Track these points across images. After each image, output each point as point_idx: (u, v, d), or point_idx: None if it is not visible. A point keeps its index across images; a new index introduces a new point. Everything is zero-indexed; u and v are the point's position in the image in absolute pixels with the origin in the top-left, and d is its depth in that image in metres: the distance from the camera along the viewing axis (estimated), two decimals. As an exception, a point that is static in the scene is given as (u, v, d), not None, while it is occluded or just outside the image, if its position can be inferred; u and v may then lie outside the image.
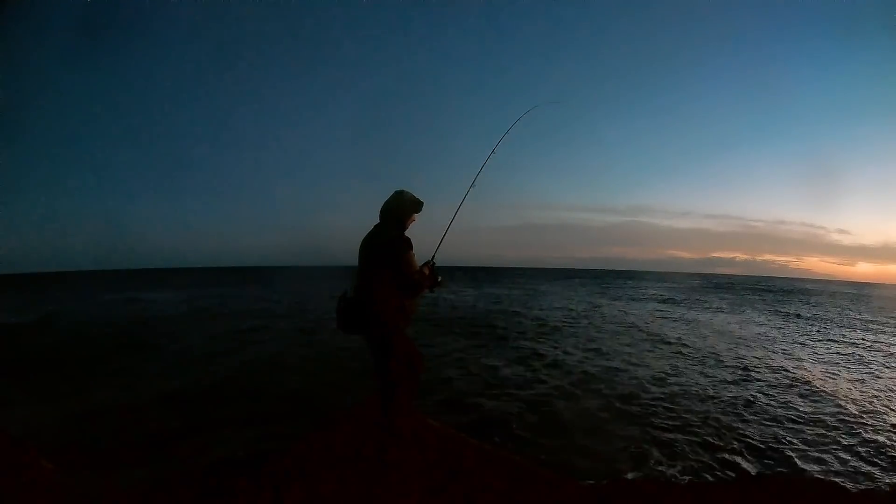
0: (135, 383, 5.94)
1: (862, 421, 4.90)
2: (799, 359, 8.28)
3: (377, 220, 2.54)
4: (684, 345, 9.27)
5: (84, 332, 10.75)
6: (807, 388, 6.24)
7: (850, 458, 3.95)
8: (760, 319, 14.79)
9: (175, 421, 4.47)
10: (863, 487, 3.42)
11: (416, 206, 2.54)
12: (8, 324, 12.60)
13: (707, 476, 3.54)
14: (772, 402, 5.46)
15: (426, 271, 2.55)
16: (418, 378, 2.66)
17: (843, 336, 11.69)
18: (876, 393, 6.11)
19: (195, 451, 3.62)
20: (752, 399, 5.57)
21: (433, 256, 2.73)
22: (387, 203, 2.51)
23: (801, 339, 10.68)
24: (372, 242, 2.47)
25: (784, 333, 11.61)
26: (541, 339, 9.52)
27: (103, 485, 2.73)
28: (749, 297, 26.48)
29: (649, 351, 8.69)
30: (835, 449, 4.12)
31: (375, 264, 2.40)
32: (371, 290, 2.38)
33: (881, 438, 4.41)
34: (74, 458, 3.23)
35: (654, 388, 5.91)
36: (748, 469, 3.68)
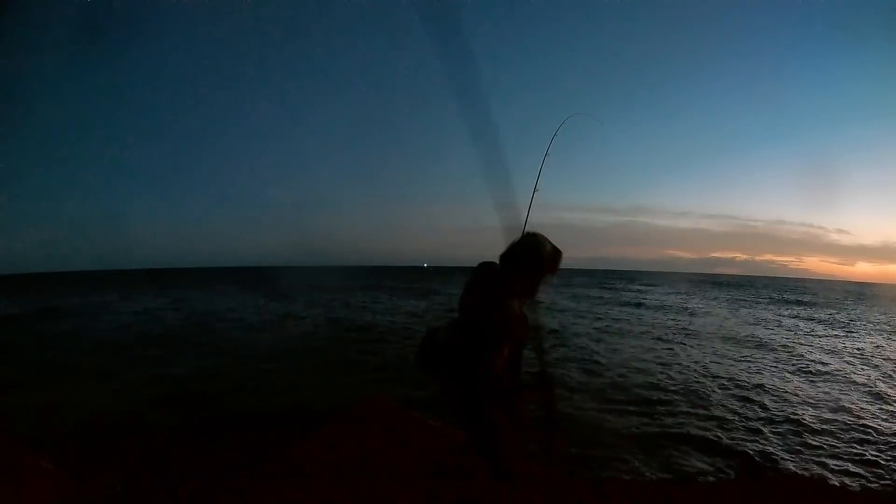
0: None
1: (865, 420, 4.91)
2: (810, 357, 8.30)
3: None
4: (686, 342, 9.30)
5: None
6: (812, 386, 6.26)
7: (851, 457, 3.95)
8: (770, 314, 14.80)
9: (177, 419, 4.47)
10: (863, 487, 3.42)
11: (556, 263, 1.80)
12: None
13: (707, 475, 3.54)
14: (775, 401, 5.47)
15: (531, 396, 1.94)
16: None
17: (852, 333, 11.75)
18: (881, 391, 6.12)
19: (197, 451, 3.61)
20: (754, 397, 5.58)
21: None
22: (518, 252, 1.79)
23: (811, 337, 10.72)
24: (479, 302, 1.81)
25: (794, 330, 11.67)
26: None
27: (103, 487, 2.73)
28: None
29: (653, 349, 8.70)
30: (837, 448, 4.12)
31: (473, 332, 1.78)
32: (463, 354, 1.82)
33: (884, 438, 4.42)
34: (76, 459, 3.22)
35: (657, 386, 5.92)
36: (748, 468, 3.68)
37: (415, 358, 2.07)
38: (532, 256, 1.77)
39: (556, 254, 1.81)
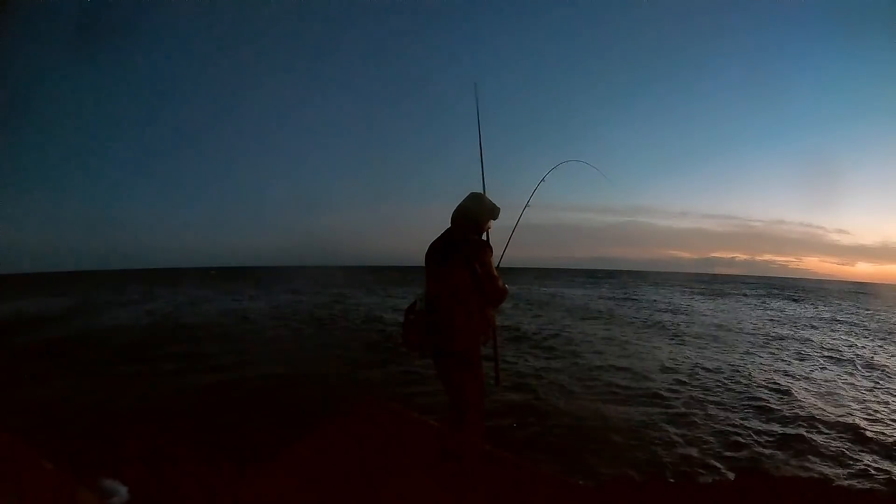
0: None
1: (866, 420, 4.92)
2: (812, 355, 8.31)
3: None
4: (688, 340, 9.30)
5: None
6: (812, 385, 6.27)
7: (851, 457, 3.96)
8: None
9: (177, 418, 4.47)
10: (863, 487, 3.43)
11: (495, 213, 2.30)
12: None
13: (707, 475, 3.55)
14: (776, 400, 5.48)
15: None
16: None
17: (856, 334, 11.79)
18: (882, 391, 6.13)
19: (196, 451, 3.61)
20: (755, 397, 5.59)
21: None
22: (464, 207, 2.27)
23: (812, 335, 10.75)
24: (449, 247, 2.19)
25: (793, 327, 11.69)
26: (549, 338, 9.52)
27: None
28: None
29: (656, 347, 8.71)
30: (837, 448, 4.13)
31: (455, 271, 2.12)
32: (453, 300, 2.12)
33: (884, 438, 4.42)
34: (76, 458, 3.21)
35: (658, 385, 5.92)
36: (748, 468, 3.69)
37: (402, 339, 2.23)
38: (477, 207, 2.27)
39: (495, 206, 2.32)
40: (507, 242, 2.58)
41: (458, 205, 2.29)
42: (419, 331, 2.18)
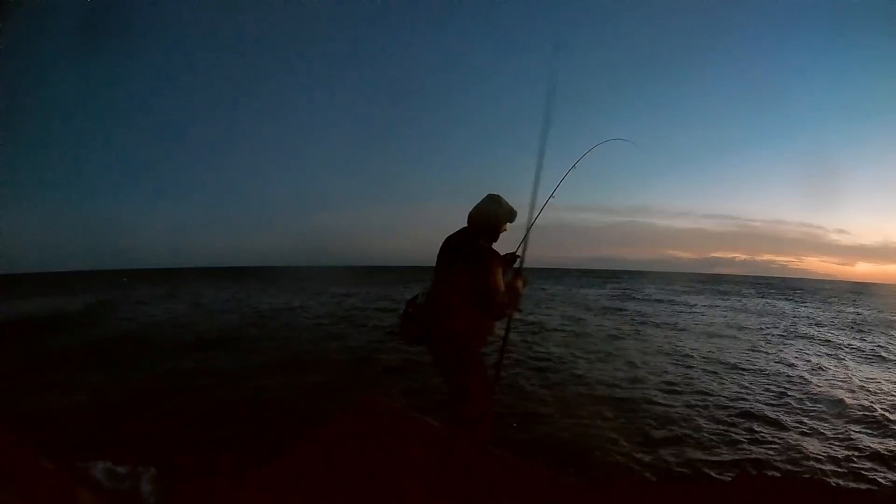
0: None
1: (866, 420, 4.91)
2: (811, 353, 8.29)
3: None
4: (691, 336, 9.30)
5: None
6: (813, 386, 6.25)
7: (851, 457, 3.95)
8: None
9: (178, 418, 4.48)
10: (863, 487, 3.42)
11: (512, 216, 2.29)
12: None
13: (709, 474, 3.54)
14: (778, 397, 5.48)
15: (518, 284, 2.22)
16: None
17: (858, 331, 11.78)
18: (884, 391, 6.11)
19: (195, 452, 3.62)
20: (758, 394, 5.59)
21: (521, 272, 2.34)
22: (481, 208, 2.25)
23: (811, 332, 10.74)
24: (457, 249, 2.20)
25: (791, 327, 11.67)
26: (553, 332, 9.53)
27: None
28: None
29: (660, 343, 8.71)
30: (836, 448, 4.12)
31: (457, 273, 2.11)
32: (449, 300, 2.12)
33: (884, 437, 4.41)
34: (77, 457, 3.22)
35: (658, 385, 5.91)
36: (748, 468, 3.68)
37: (399, 330, 2.24)
38: (494, 208, 2.24)
39: (512, 209, 2.29)
40: (524, 235, 2.47)
41: (475, 205, 2.26)
42: (416, 324, 2.19)
